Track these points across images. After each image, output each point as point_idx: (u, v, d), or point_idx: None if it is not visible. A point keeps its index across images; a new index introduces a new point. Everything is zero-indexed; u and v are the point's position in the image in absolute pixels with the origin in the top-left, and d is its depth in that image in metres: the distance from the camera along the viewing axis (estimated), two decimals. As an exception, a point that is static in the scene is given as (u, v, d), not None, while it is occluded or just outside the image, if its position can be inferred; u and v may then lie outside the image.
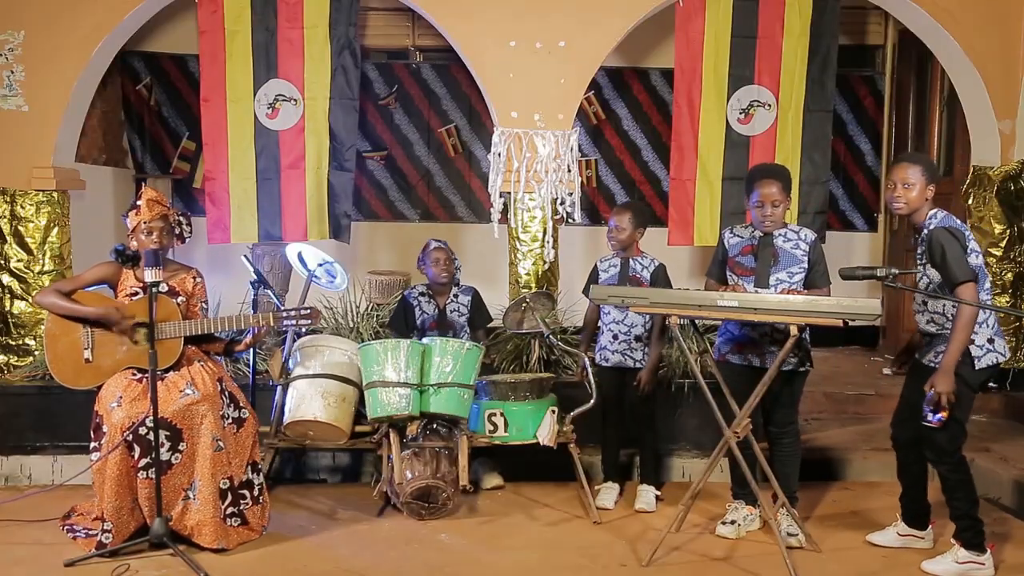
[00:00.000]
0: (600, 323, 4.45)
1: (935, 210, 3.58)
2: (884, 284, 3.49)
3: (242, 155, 5.41)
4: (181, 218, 4.03)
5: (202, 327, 3.84)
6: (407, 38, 7.03)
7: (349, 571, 3.63)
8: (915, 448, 3.71)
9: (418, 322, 4.78)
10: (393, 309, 4.98)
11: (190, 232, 4.07)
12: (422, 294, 4.83)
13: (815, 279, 3.87)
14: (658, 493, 4.43)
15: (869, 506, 4.37)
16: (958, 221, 3.58)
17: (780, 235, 3.90)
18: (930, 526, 3.85)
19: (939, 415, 3.40)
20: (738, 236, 4.01)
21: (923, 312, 3.62)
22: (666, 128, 6.56)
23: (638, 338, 4.33)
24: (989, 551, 3.62)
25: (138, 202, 3.89)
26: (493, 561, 3.76)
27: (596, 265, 4.53)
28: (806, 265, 3.87)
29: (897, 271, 3.49)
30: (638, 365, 4.33)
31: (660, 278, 4.36)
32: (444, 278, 4.75)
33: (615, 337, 4.35)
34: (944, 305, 3.52)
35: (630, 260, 4.39)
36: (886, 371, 6.12)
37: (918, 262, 3.63)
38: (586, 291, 4.41)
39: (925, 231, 3.55)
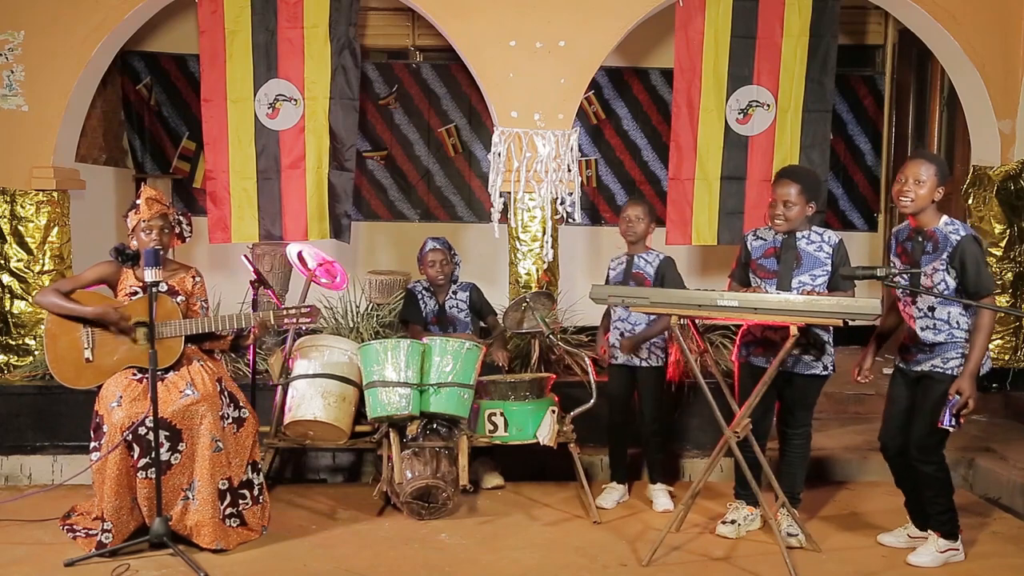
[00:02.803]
0: (616, 325, 4.38)
1: (945, 215, 3.59)
2: (884, 284, 3.51)
3: (242, 155, 5.42)
4: (181, 217, 4.03)
5: (202, 326, 3.84)
6: (407, 38, 7.04)
7: (349, 571, 3.64)
8: (906, 455, 3.76)
9: (422, 315, 4.83)
10: (403, 303, 4.99)
11: (190, 232, 4.07)
12: (425, 289, 4.88)
13: (839, 282, 3.79)
14: (671, 490, 4.42)
15: (869, 506, 4.37)
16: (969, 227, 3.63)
17: (803, 237, 3.86)
18: None
19: (959, 420, 3.47)
20: (761, 239, 3.96)
21: (924, 318, 3.58)
22: (666, 128, 6.55)
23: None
24: (960, 536, 3.74)
25: (137, 201, 3.90)
26: (493, 561, 3.75)
27: (609, 265, 4.50)
28: (829, 268, 3.82)
29: (897, 271, 3.50)
30: (646, 364, 4.32)
31: (667, 271, 4.34)
32: (441, 280, 4.79)
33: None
34: (950, 312, 3.52)
35: (635, 257, 4.37)
36: (886, 371, 6.12)
37: (937, 267, 3.53)
38: None
39: (952, 236, 3.51)
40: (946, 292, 3.50)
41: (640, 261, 4.37)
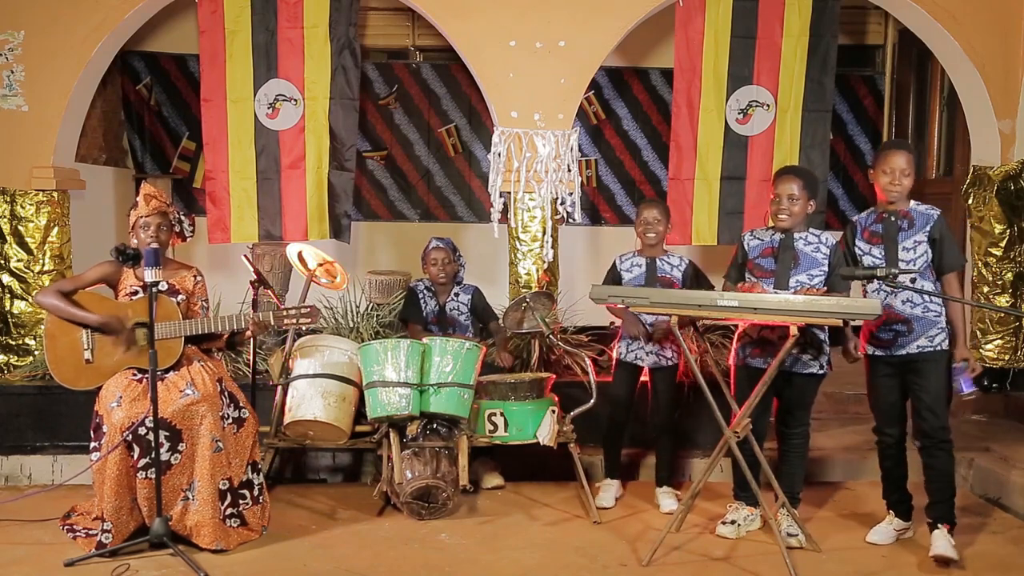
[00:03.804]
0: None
1: (911, 199, 3.82)
2: (885, 283, 3.54)
3: (242, 155, 5.42)
4: (183, 217, 4.03)
5: (202, 327, 3.84)
6: (407, 38, 7.04)
7: (349, 571, 3.64)
8: (901, 444, 3.89)
9: (423, 314, 4.83)
10: (404, 302, 4.99)
11: (192, 231, 4.07)
12: (427, 288, 4.88)
13: (835, 283, 3.83)
14: (678, 493, 4.41)
15: (869, 506, 4.36)
16: None
17: (801, 238, 3.89)
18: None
19: (973, 384, 3.64)
20: (758, 239, 3.98)
21: (903, 291, 3.69)
22: (666, 128, 6.55)
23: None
24: None
25: (138, 198, 3.91)
26: (493, 561, 3.75)
27: (616, 263, 4.40)
28: (826, 268, 3.85)
29: (897, 271, 3.53)
30: (666, 363, 4.32)
31: (692, 276, 4.33)
32: (443, 279, 4.79)
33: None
34: (924, 286, 3.68)
35: (657, 260, 4.33)
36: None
37: (918, 239, 3.71)
38: None
39: (928, 211, 3.75)
40: (925, 265, 3.70)
41: (664, 264, 4.32)
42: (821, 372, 3.92)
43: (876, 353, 3.81)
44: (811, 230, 3.93)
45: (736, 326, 4.10)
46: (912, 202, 3.79)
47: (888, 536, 3.94)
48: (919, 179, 4.09)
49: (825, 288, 3.81)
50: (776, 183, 3.91)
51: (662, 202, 4.49)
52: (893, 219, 3.75)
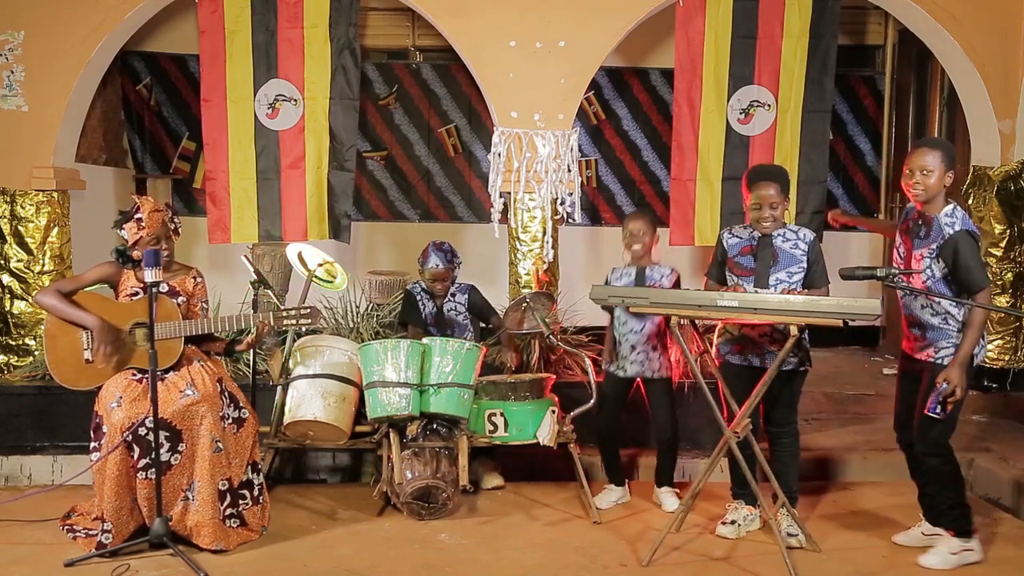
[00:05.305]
0: (616, 333, 4.34)
1: (951, 205, 3.56)
2: (884, 284, 3.52)
3: (242, 155, 5.42)
4: (172, 215, 4.01)
5: (202, 327, 3.84)
6: (407, 38, 7.04)
7: (349, 571, 3.64)
8: (914, 447, 3.77)
9: (421, 316, 4.82)
10: (402, 305, 4.97)
11: (179, 223, 4.02)
12: (424, 290, 4.86)
13: (813, 279, 3.87)
14: (679, 492, 4.40)
15: (869, 506, 4.37)
16: (970, 220, 3.61)
17: (779, 235, 3.90)
18: None
19: (946, 408, 3.47)
20: (737, 237, 4.00)
21: (921, 296, 3.58)
22: (666, 128, 6.57)
23: (655, 348, 4.29)
24: (976, 536, 3.70)
25: (138, 215, 3.83)
26: (493, 561, 3.75)
27: (608, 277, 4.40)
28: (805, 265, 3.86)
29: (897, 271, 3.51)
30: (656, 375, 4.30)
31: (677, 288, 4.32)
32: (440, 292, 4.77)
33: (633, 347, 4.28)
34: (940, 300, 3.55)
35: (646, 269, 4.32)
36: (886, 371, 6.13)
37: (924, 254, 3.55)
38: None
39: (946, 228, 3.51)
40: (931, 281, 3.54)
41: (654, 273, 4.31)
42: (802, 369, 3.92)
43: (904, 350, 3.77)
44: (788, 227, 3.94)
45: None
46: (946, 209, 3.54)
47: (913, 540, 3.88)
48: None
49: (802, 288, 3.82)
50: (752, 187, 3.88)
51: (648, 214, 4.45)
52: (920, 223, 3.61)
